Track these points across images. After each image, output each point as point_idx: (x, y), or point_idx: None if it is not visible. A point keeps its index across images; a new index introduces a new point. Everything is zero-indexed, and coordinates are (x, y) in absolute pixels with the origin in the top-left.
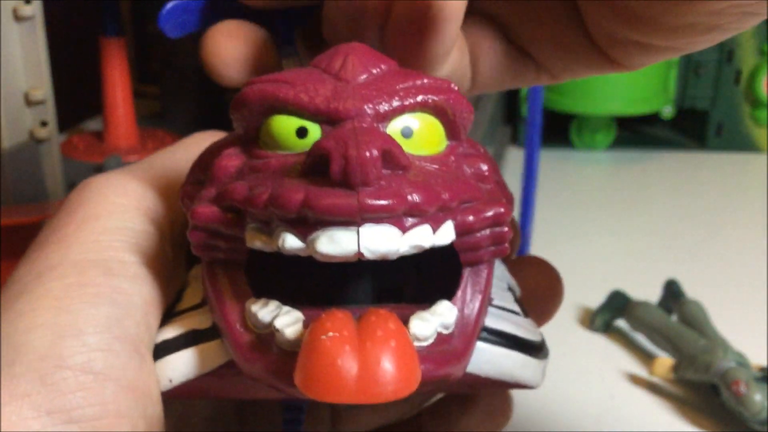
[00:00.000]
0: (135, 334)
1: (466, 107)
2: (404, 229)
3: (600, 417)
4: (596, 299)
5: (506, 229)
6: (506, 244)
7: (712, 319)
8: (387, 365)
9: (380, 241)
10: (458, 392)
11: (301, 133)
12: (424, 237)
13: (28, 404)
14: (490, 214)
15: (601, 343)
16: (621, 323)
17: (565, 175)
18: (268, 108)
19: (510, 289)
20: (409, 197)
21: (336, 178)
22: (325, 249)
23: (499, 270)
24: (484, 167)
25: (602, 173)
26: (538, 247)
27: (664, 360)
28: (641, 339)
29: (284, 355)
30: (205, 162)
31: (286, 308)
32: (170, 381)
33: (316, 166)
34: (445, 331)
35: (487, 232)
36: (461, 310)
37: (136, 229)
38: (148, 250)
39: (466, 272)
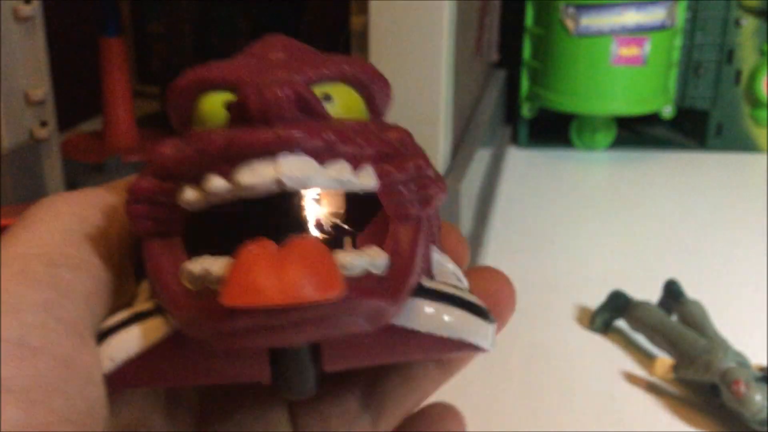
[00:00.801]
0: (75, 316)
1: (383, 83)
2: (322, 162)
3: (600, 417)
4: (596, 299)
5: (429, 182)
6: (432, 199)
7: (712, 319)
8: (305, 268)
9: (298, 168)
10: (408, 358)
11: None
12: (343, 171)
13: None
14: (410, 165)
15: (601, 343)
16: (621, 323)
17: (565, 175)
18: (198, 89)
19: (455, 276)
20: (325, 134)
21: (254, 116)
22: (245, 179)
23: (444, 259)
24: (407, 140)
25: (602, 173)
26: (538, 247)
27: (664, 360)
28: (641, 339)
29: (214, 295)
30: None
31: (218, 258)
32: (111, 360)
33: (238, 114)
34: (375, 271)
35: (412, 185)
36: (393, 257)
37: (83, 231)
38: (93, 249)
39: (396, 223)
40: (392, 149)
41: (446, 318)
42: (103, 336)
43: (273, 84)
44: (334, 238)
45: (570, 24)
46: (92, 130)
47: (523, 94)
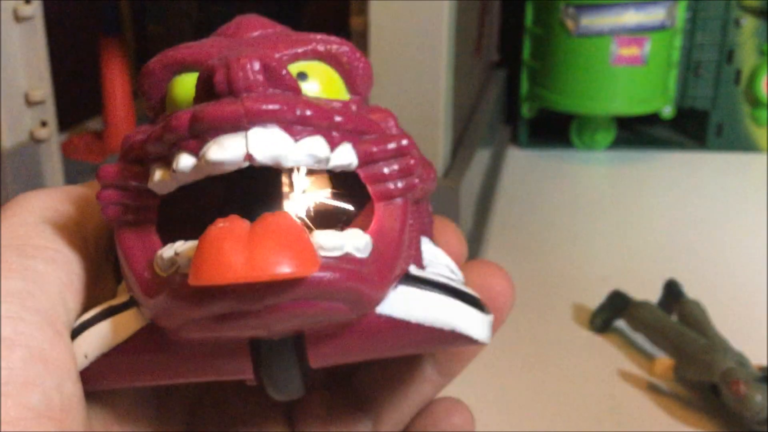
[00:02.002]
0: (48, 308)
1: (361, 59)
2: (295, 137)
3: (600, 417)
4: (596, 299)
5: (412, 161)
6: (415, 179)
7: (712, 319)
8: (276, 243)
9: (269, 142)
10: (399, 351)
11: None
12: (318, 147)
13: None
14: (393, 145)
15: (601, 343)
16: (621, 323)
17: (565, 175)
18: (170, 71)
19: (449, 269)
20: (298, 108)
21: (220, 88)
22: (214, 156)
23: (438, 252)
24: (391, 123)
25: (602, 173)
26: (537, 247)
27: (664, 360)
28: (641, 339)
29: (185, 279)
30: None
31: (189, 242)
32: (86, 357)
33: (205, 90)
34: (357, 254)
35: (395, 166)
36: (376, 240)
37: (57, 224)
38: (68, 242)
39: (380, 206)
40: (373, 128)
41: (437, 307)
42: (77, 332)
43: (240, 56)
44: (318, 221)
45: (570, 24)
46: (92, 130)
47: (523, 94)
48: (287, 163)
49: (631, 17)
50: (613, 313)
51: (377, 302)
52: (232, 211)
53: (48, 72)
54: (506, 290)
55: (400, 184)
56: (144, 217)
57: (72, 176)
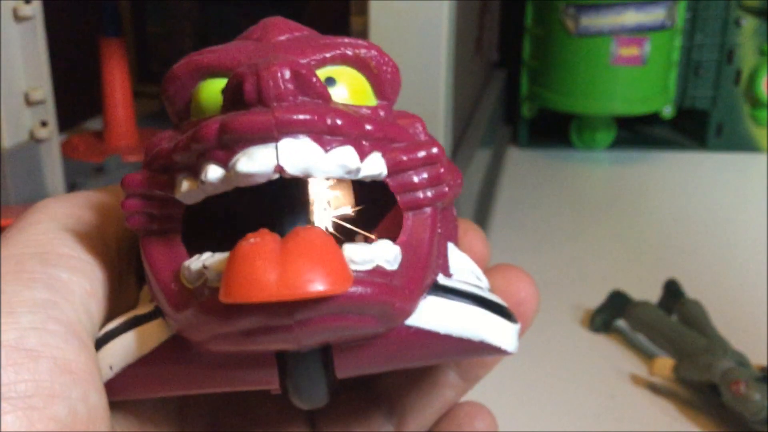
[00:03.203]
0: (73, 318)
1: (389, 62)
2: (325, 147)
3: (600, 417)
4: (596, 299)
5: (442, 169)
6: (445, 187)
7: (712, 319)
8: (309, 261)
9: (300, 154)
10: (425, 361)
11: None
12: (349, 158)
13: None
14: (422, 154)
15: (601, 343)
16: (621, 323)
17: (565, 175)
18: (196, 76)
19: (475, 275)
20: (329, 118)
21: (250, 98)
22: (244, 168)
23: (463, 258)
24: (419, 127)
25: (602, 173)
26: (537, 247)
27: (664, 360)
28: (641, 339)
29: (214, 293)
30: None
31: (218, 254)
32: (111, 368)
33: (234, 98)
34: (387, 267)
35: (424, 174)
36: (406, 252)
37: (79, 232)
38: (90, 250)
39: (408, 216)
40: (403, 135)
41: (466, 318)
42: (102, 342)
43: (270, 63)
44: (345, 232)
45: (570, 24)
46: (92, 130)
47: (523, 94)
48: (317, 175)
49: (631, 17)
50: (613, 313)
51: (408, 315)
52: (258, 218)
53: (48, 72)
54: (531, 296)
55: (429, 193)
56: (169, 226)
57: (72, 176)
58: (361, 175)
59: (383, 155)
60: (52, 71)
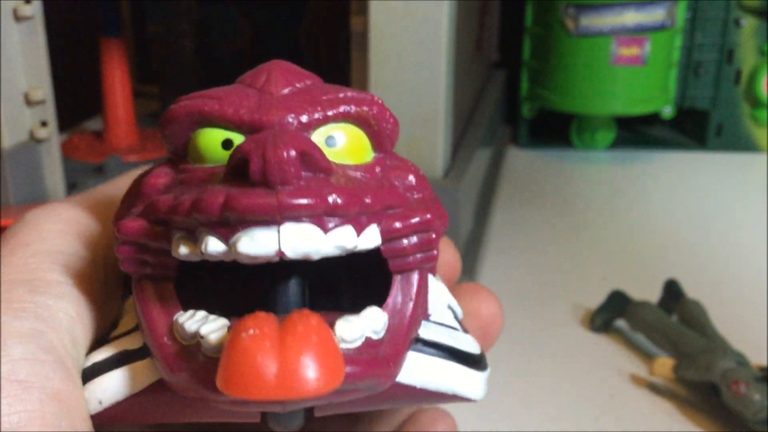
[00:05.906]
0: (60, 347)
1: (390, 119)
2: (326, 229)
3: (600, 417)
4: (596, 299)
5: (434, 235)
6: (434, 251)
7: (712, 319)
8: (308, 360)
9: (301, 239)
10: (399, 405)
11: (227, 145)
12: (347, 238)
13: None
14: (416, 220)
15: (601, 343)
16: (621, 323)
17: (565, 175)
18: (195, 122)
19: (450, 308)
20: (330, 198)
21: (255, 178)
22: (246, 249)
23: (440, 289)
24: (412, 178)
25: (602, 173)
26: (537, 247)
27: (664, 360)
28: (641, 339)
29: (209, 362)
30: (137, 185)
31: (213, 317)
32: (100, 403)
33: (238, 170)
34: (374, 336)
35: (415, 239)
36: (392, 317)
37: (68, 252)
38: (78, 272)
39: (397, 279)
40: (398, 201)
41: (443, 374)
42: (90, 374)
43: (277, 145)
44: (333, 290)
45: (570, 24)
46: (92, 130)
47: (523, 94)
48: (316, 257)
49: (631, 17)
50: (613, 313)
51: (393, 381)
52: (250, 276)
53: (48, 72)
54: (495, 315)
55: (419, 256)
56: (163, 273)
57: (72, 176)
58: (357, 249)
59: (378, 224)
60: (52, 71)
